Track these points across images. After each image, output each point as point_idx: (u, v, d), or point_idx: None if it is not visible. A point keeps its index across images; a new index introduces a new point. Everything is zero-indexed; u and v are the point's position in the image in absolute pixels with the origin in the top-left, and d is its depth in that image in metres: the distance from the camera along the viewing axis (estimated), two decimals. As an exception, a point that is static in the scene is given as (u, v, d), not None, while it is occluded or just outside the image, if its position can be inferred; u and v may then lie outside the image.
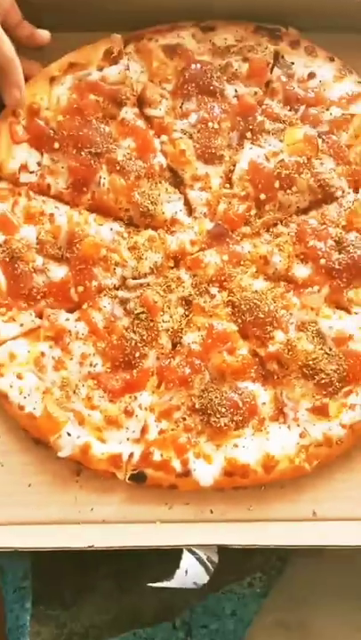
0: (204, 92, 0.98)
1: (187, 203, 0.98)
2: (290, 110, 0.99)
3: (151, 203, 0.95)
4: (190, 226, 0.97)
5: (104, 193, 0.94)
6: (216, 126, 0.98)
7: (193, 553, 0.82)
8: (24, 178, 0.95)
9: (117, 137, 0.96)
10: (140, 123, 0.97)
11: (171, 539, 0.84)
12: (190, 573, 0.81)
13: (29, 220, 0.95)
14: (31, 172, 0.96)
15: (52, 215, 0.95)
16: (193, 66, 0.98)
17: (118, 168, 0.94)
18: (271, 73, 1.00)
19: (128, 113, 0.96)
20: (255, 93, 0.99)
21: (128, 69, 0.97)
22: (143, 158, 0.96)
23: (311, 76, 0.99)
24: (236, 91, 0.99)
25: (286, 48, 1.00)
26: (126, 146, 0.96)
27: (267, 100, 0.99)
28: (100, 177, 0.94)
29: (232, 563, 0.89)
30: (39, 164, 0.96)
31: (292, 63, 1.00)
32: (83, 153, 0.94)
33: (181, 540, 0.84)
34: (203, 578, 0.82)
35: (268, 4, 0.99)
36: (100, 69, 0.96)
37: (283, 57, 1.00)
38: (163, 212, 0.95)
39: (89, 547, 0.80)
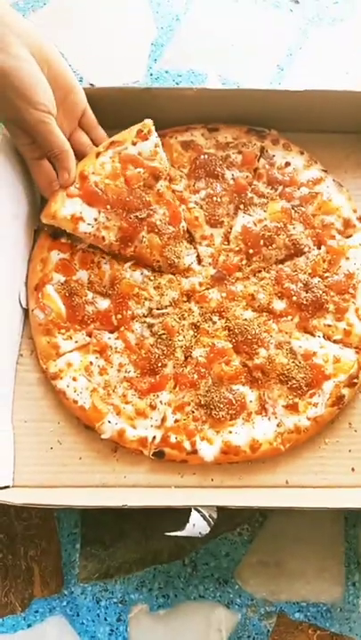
0: (210, 175, 1.01)
1: (197, 255, 1.01)
2: (271, 189, 1.01)
3: (176, 257, 0.97)
4: (200, 272, 0.99)
5: (144, 248, 0.96)
6: (219, 200, 1.00)
7: (198, 511, 0.83)
8: (82, 228, 0.95)
9: (155, 205, 0.97)
10: (170, 195, 0.98)
11: (183, 500, 0.86)
12: (197, 526, 0.82)
13: (83, 265, 0.98)
14: (88, 224, 0.95)
15: (99, 263, 0.98)
16: (202, 156, 1.02)
17: (157, 231, 0.96)
18: (258, 162, 1.03)
19: (162, 186, 0.98)
20: (247, 177, 1.02)
21: (159, 147, 0.98)
22: (173, 224, 0.97)
23: (287, 164, 1.02)
24: (232, 175, 1.01)
25: (269, 144, 1.03)
26: (162, 213, 0.97)
27: (255, 182, 1.02)
28: (143, 236, 0.96)
29: (226, 517, 0.91)
30: (95, 219, 0.96)
31: (274, 155, 1.02)
32: (131, 217, 0.95)
33: (190, 501, 0.86)
34: (205, 529, 0.83)
35: (257, 114, 1.03)
36: (135, 145, 0.97)
37: (267, 151, 1.03)
38: (184, 264, 0.98)
39: (123, 505, 0.81)
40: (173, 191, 1.00)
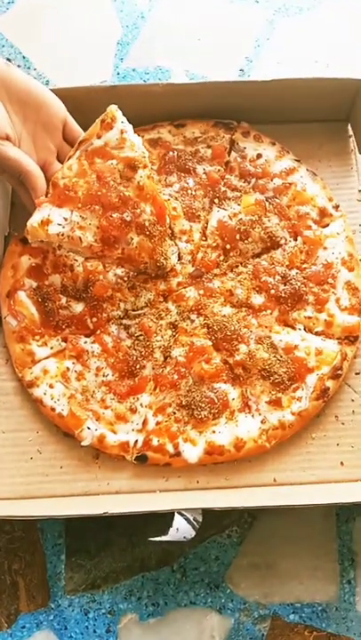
0: (181, 170, 1.00)
1: (178, 252, 0.98)
2: (244, 182, 1.00)
3: (164, 258, 0.94)
4: (180, 271, 0.97)
5: (132, 250, 0.92)
6: (193, 193, 0.99)
7: (182, 515, 0.81)
8: (52, 229, 0.89)
9: (137, 200, 0.90)
10: (152, 187, 0.91)
11: (167, 504, 0.83)
12: (180, 530, 0.80)
13: (55, 269, 0.96)
14: (59, 225, 0.89)
15: (72, 266, 0.95)
16: (171, 152, 1.01)
17: (147, 233, 0.91)
18: (229, 156, 1.02)
19: (142, 177, 0.91)
20: (218, 170, 1.01)
21: (127, 132, 0.91)
22: (160, 223, 0.92)
23: (259, 156, 1.01)
24: (204, 169, 1.00)
25: (240, 137, 1.02)
26: (149, 212, 0.91)
27: (227, 175, 1.01)
28: (131, 237, 0.92)
29: (214, 519, 0.89)
30: (66, 219, 0.90)
31: (245, 148, 1.02)
32: (111, 215, 0.89)
33: (175, 505, 0.83)
34: (190, 533, 0.81)
35: (226, 107, 1.02)
36: (100, 137, 0.91)
37: (237, 143, 1.02)
38: (171, 264, 0.96)
39: (104, 513, 0.79)
40: (153, 180, 0.94)
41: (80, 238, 0.91)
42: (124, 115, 0.93)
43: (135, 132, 0.99)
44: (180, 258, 0.98)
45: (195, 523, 0.83)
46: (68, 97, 0.96)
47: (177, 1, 1.21)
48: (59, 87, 0.97)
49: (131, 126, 0.92)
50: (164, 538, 0.81)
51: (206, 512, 0.84)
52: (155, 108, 1.01)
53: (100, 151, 0.91)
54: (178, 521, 0.81)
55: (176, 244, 0.98)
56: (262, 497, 0.87)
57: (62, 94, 0.95)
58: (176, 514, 0.82)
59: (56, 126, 0.92)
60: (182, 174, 1.00)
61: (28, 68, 1.14)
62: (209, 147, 1.01)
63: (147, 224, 0.91)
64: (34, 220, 0.90)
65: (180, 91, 1.00)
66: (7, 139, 0.86)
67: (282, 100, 1.02)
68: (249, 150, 1.02)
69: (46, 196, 0.91)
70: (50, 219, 0.90)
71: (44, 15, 1.19)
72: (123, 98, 0.97)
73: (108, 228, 0.90)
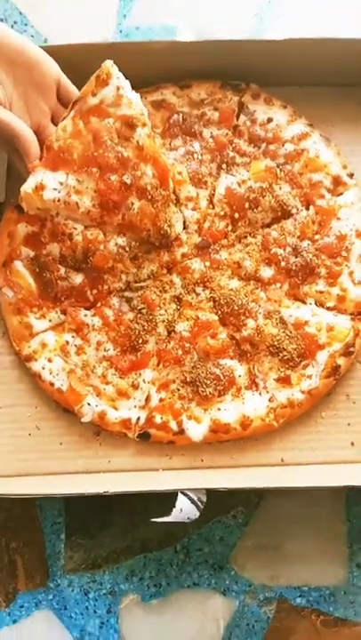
0: (186, 134, 0.95)
1: (184, 220, 0.93)
2: (254, 147, 0.94)
3: (168, 225, 0.89)
4: (186, 241, 0.92)
5: (133, 215, 0.87)
6: (200, 157, 0.94)
7: (186, 495, 0.78)
8: (47, 195, 0.84)
9: (137, 161, 0.85)
10: (153, 147, 0.86)
11: (170, 484, 0.81)
12: (184, 511, 0.78)
13: (53, 238, 0.90)
14: (54, 189, 0.84)
15: (70, 234, 0.90)
16: (175, 115, 0.95)
17: (149, 197, 0.86)
18: (238, 119, 0.96)
19: (141, 136, 0.85)
20: (226, 134, 0.95)
21: (123, 89, 0.85)
22: (163, 186, 0.87)
23: (269, 120, 0.95)
24: (211, 133, 0.95)
25: (249, 99, 0.96)
26: (150, 174, 0.85)
27: (236, 140, 0.95)
28: (132, 202, 0.86)
29: (220, 499, 0.86)
30: (62, 183, 0.84)
31: (255, 111, 0.96)
32: (109, 178, 0.84)
33: (178, 485, 0.81)
34: (194, 513, 0.78)
35: (234, 68, 0.95)
36: (95, 95, 0.85)
37: (247, 106, 0.96)
38: (175, 232, 0.90)
39: (104, 492, 0.76)
40: (154, 140, 0.88)
41: (77, 203, 0.85)
42: (123, 74, 0.86)
43: (137, 93, 0.93)
44: (185, 227, 0.93)
45: (199, 503, 0.80)
46: (64, 55, 0.88)
47: None
48: (54, 44, 0.90)
49: (128, 82, 0.86)
50: (166, 519, 0.78)
51: (211, 492, 0.81)
52: (158, 67, 0.94)
53: (95, 109, 0.84)
54: (181, 501, 0.79)
55: (181, 212, 0.92)
56: (269, 477, 0.84)
57: (57, 52, 0.88)
58: (180, 494, 0.79)
59: (49, 87, 0.86)
60: (188, 138, 0.94)
61: (25, 24, 1.07)
62: (216, 109, 0.95)
63: (148, 187, 0.86)
64: (27, 186, 0.85)
65: (185, 49, 0.93)
66: None
67: (294, 62, 0.95)
68: (259, 113, 0.96)
69: (40, 160, 0.85)
70: (44, 184, 0.84)
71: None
72: (123, 56, 0.90)
73: (107, 191, 0.84)
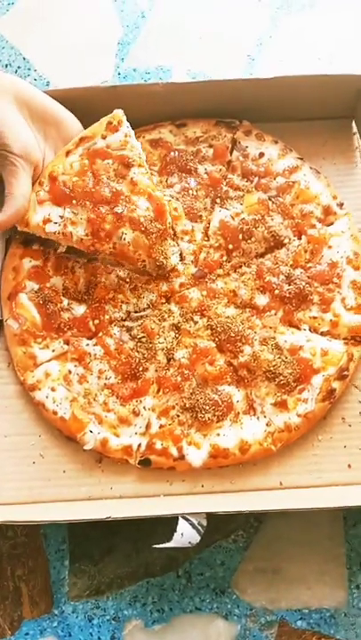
0: (182, 171, 0.97)
1: (180, 252, 0.95)
2: (247, 181, 0.97)
3: (164, 257, 0.92)
4: (183, 272, 0.94)
5: (125, 245, 0.90)
6: (195, 193, 0.97)
7: (187, 519, 0.79)
8: (49, 228, 0.90)
9: (129, 195, 0.90)
10: (146, 184, 0.91)
11: (171, 509, 0.81)
12: (185, 535, 0.78)
13: (57, 272, 0.93)
14: (55, 223, 0.90)
15: (73, 268, 0.93)
16: (172, 153, 0.98)
17: (143, 229, 0.89)
18: (231, 155, 0.99)
19: (136, 174, 0.91)
20: (220, 170, 0.98)
21: (130, 137, 0.92)
22: (159, 221, 0.90)
23: (261, 155, 0.98)
24: (205, 169, 0.98)
25: (242, 135, 0.99)
26: (145, 208, 0.90)
27: (229, 175, 0.98)
28: (123, 232, 0.89)
29: (220, 524, 0.86)
30: (61, 216, 0.90)
31: (247, 146, 0.98)
32: (100, 207, 0.89)
33: (179, 509, 0.81)
34: (195, 538, 0.79)
35: (228, 106, 0.99)
36: (104, 138, 0.91)
37: (239, 142, 0.99)
38: (171, 264, 0.93)
39: (107, 517, 0.77)
40: (151, 178, 0.93)
41: (71, 233, 0.90)
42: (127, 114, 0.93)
43: (136, 132, 0.97)
44: (182, 258, 0.95)
45: (199, 527, 0.80)
46: (68, 98, 0.94)
47: (175, 1, 1.18)
48: (59, 88, 0.95)
49: (133, 132, 0.93)
50: (168, 544, 0.79)
51: (211, 516, 0.81)
52: (156, 107, 0.98)
53: (102, 152, 0.91)
54: (182, 526, 0.79)
55: (178, 245, 0.95)
56: (268, 501, 0.84)
57: (62, 95, 0.93)
58: (180, 519, 0.80)
59: None
60: (183, 175, 0.97)
61: (29, 69, 1.12)
62: (211, 146, 0.98)
63: (142, 220, 0.89)
64: (38, 220, 0.90)
65: (181, 90, 0.97)
66: (36, 167, 0.90)
67: (285, 98, 0.99)
68: (251, 149, 0.98)
69: (41, 186, 0.91)
70: (50, 218, 0.90)
71: (44, 16, 1.17)
72: (123, 98, 0.95)
73: (96, 220, 0.89)
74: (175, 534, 0.78)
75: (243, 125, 1.00)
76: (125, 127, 0.92)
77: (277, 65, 1.12)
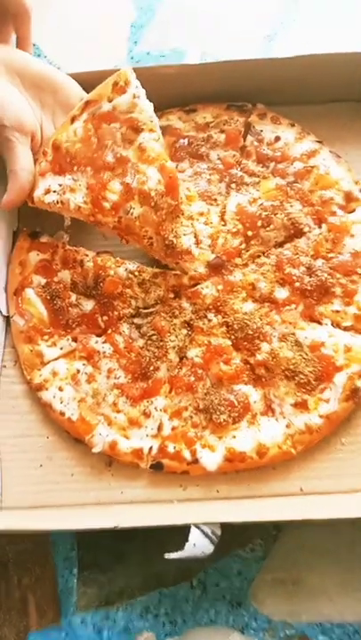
0: (193, 157, 0.89)
1: (195, 235, 0.86)
2: (263, 167, 0.89)
3: (174, 236, 0.83)
4: (198, 257, 0.85)
5: (131, 220, 0.82)
6: (208, 177, 0.89)
7: (199, 528, 0.72)
8: (48, 198, 0.82)
9: (137, 162, 0.81)
10: (158, 151, 0.81)
11: (184, 517, 0.73)
12: (198, 545, 0.71)
13: (65, 265, 0.87)
14: (54, 192, 0.82)
15: (82, 261, 0.87)
16: (181, 140, 0.90)
17: (152, 204, 0.80)
18: (245, 140, 0.90)
19: (146, 139, 0.81)
20: (233, 156, 0.89)
21: (139, 97, 0.81)
22: (171, 195, 0.81)
23: (277, 139, 0.90)
24: (218, 155, 0.89)
25: (256, 119, 0.91)
26: (156, 180, 0.80)
27: (243, 161, 0.89)
28: (131, 206, 0.81)
29: (237, 532, 0.79)
30: (60, 184, 0.82)
31: (261, 130, 0.90)
32: (103, 174, 0.80)
33: (192, 518, 0.74)
34: (208, 548, 0.72)
35: (244, 89, 0.91)
36: (111, 101, 0.82)
37: (253, 126, 0.91)
38: (182, 244, 0.83)
39: (114, 527, 0.70)
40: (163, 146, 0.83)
41: (69, 200, 0.82)
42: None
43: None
44: (197, 242, 0.86)
45: (213, 537, 0.73)
46: (77, 82, 0.86)
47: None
48: (68, 72, 0.88)
49: (144, 91, 0.82)
50: (180, 554, 0.72)
51: (228, 524, 0.74)
52: (168, 91, 0.90)
53: (107, 116, 0.82)
54: (195, 535, 0.72)
55: (193, 226, 0.86)
56: (288, 508, 0.76)
57: (74, 79, 0.86)
58: (193, 527, 0.72)
59: (75, 107, 0.85)
60: (195, 160, 0.89)
61: (39, 55, 1.05)
62: (222, 131, 0.90)
63: (152, 194, 0.80)
64: (39, 193, 0.83)
65: (194, 72, 0.89)
66: (33, 137, 0.82)
67: (304, 79, 0.90)
68: (266, 133, 0.90)
69: (45, 156, 0.84)
70: (50, 188, 0.83)
71: (53, 1, 1.10)
72: None
73: (96, 186, 0.80)
74: (187, 544, 0.71)
75: (257, 108, 0.92)
76: (134, 87, 0.82)
77: (299, 48, 1.02)
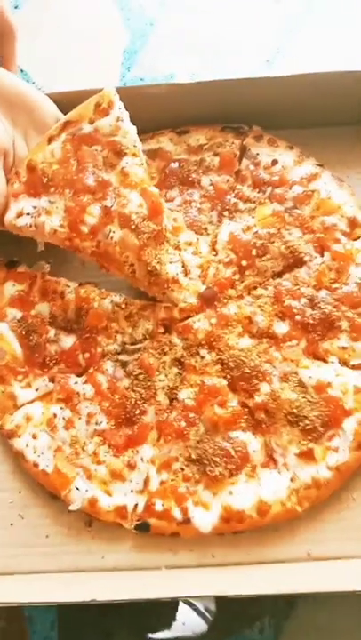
0: (184, 183, 0.83)
1: (183, 265, 0.79)
2: (258, 192, 0.82)
3: (157, 262, 0.75)
4: (187, 287, 0.78)
5: (110, 245, 0.75)
6: (198, 206, 0.82)
7: (190, 604, 0.60)
8: (20, 222, 0.76)
9: (119, 187, 0.75)
10: (141, 177, 0.76)
11: (172, 590, 0.63)
12: (188, 624, 0.60)
13: (44, 297, 0.79)
14: (27, 214, 0.76)
15: (62, 293, 0.79)
16: (172, 164, 0.84)
17: (133, 227, 0.74)
18: (240, 163, 0.84)
19: (129, 163, 0.76)
20: (227, 180, 0.83)
21: (122, 120, 0.77)
22: (153, 219, 0.75)
23: (274, 162, 0.83)
24: (210, 180, 0.83)
25: (252, 141, 0.85)
26: (137, 203, 0.75)
27: (238, 186, 0.83)
28: (110, 230, 0.75)
29: (239, 608, 0.68)
30: (35, 207, 0.76)
31: (258, 153, 0.84)
32: (82, 197, 0.74)
33: (184, 590, 0.63)
34: (201, 627, 0.60)
35: (238, 111, 0.85)
36: (92, 123, 0.77)
37: (249, 149, 0.84)
38: (167, 272, 0.76)
39: (91, 600, 0.60)
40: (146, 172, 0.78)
41: (44, 224, 0.75)
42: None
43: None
44: (186, 272, 0.79)
45: (207, 614, 0.62)
46: (66, 101, 0.81)
47: (187, 7, 1.07)
48: (55, 92, 0.83)
49: (127, 113, 0.77)
50: (167, 634, 0.60)
51: (228, 598, 0.63)
52: (158, 113, 0.84)
53: (89, 138, 0.77)
54: (184, 612, 0.61)
55: (179, 255, 0.79)
56: (294, 578, 0.66)
57: (59, 98, 0.82)
58: (181, 603, 0.61)
59: (50, 127, 0.80)
60: (185, 188, 0.83)
61: (27, 81, 1.01)
62: (216, 154, 0.84)
63: (133, 217, 0.74)
64: (10, 217, 0.77)
65: (186, 92, 0.83)
66: (5, 156, 0.77)
67: (303, 101, 0.84)
68: (263, 156, 0.84)
69: (18, 177, 0.77)
70: (23, 210, 0.76)
71: (45, 26, 1.07)
72: (123, 102, 0.82)
73: (75, 209, 0.74)
74: (175, 622, 0.59)
75: (253, 131, 0.86)
76: (117, 109, 0.77)
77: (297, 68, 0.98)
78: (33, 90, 0.79)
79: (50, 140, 0.78)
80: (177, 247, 0.78)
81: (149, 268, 0.75)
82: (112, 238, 0.74)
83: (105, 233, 0.74)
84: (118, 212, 0.74)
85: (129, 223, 0.74)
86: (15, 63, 0.83)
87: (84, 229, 0.74)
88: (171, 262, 0.76)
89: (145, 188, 0.75)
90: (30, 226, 0.76)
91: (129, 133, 0.77)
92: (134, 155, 0.76)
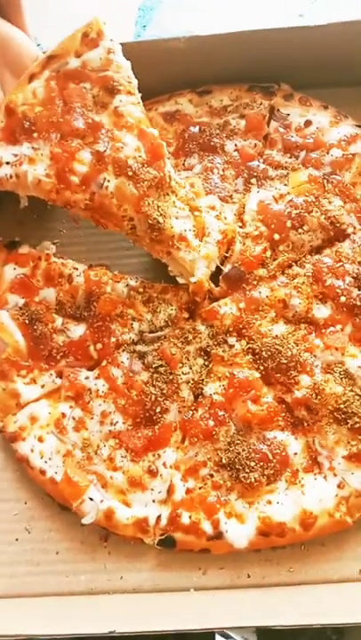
0: (205, 149, 0.73)
1: (197, 227, 0.68)
2: (290, 157, 0.72)
3: (161, 215, 0.65)
4: (197, 248, 0.66)
5: (106, 197, 0.65)
6: (221, 173, 0.72)
7: (226, 636, 0.51)
8: (1, 172, 0.66)
9: (112, 129, 0.66)
10: (138, 117, 0.66)
11: (205, 619, 0.53)
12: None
13: (49, 282, 0.70)
14: (7, 164, 0.66)
15: (70, 276, 0.69)
16: (192, 128, 0.74)
17: (130, 174, 0.65)
18: (268, 126, 0.74)
19: (123, 102, 0.67)
20: (255, 146, 0.73)
21: (114, 53, 0.68)
22: (153, 164, 0.65)
23: (308, 123, 0.74)
24: (236, 145, 0.73)
25: (281, 101, 0.75)
26: (134, 146, 0.65)
27: (267, 151, 0.73)
28: (105, 178, 0.65)
29: (281, 638, 0.58)
30: (16, 155, 0.66)
31: (288, 114, 0.74)
32: (71, 141, 0.65)
33: (217, 621, 0.53)
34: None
35: (264, 67, 0.74)
36: (79, 56, 0.68)
37: (278, 110, 0.75)
38: (171, 227, 0.66)
39: (110, 632, 0.51)
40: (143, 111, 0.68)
41: (26, 173, 0.65)
42: (138, 81, 0.68)
43: (147, 104, 0.73)
44: (203, 234, 0.68)
45: (246, 646, 0.52)
46: None
47: None
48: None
49: (120, 47, 0.68)
50: None
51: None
52: (177, 71, 0.75)
53: (76, 74, 0.67)
54: (220, 645, 0.51)
55: (198, 216, 0.67)
56: (344, 602, 0.56)
57: None
58: (217, 636, 0.51)
59: (26, 66, 0.70)
60: (205, 154, 0.73)
61: (38, 45, 0.91)
62: (242, 117, 0.75)
63: (130, 162, 0.64)
64: None
65: (207, 45, 0.73)
66: None
67: (340, 54, 0.73)
68: (294, 117, 0.74)
69: None
70: (2, 159, 0.66)
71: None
72: (136, 60, 0.70)
73: (62, 156, 0.65)
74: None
75: (282, 89, 0.75)
76: (108, 41, 0.68)
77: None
78: (10, 28, 0.68)
79: (31, 78, 0.68)
80: (196, 208, 0.67)
81: (150, 221, 0.65)
82: (107, 188, 0.64)
83: (98, 182, 0.64)
84: (113, 158, 0.64)
85: (125, 170, 0.64)
86: (27, 30, 0.73)
87: (74, 179, 0.64)
88: (177, 217, 0.66)
89: (142, 129, 0.65)
90: (10, 177, 0.65)
91: (122, 67, 0.67)
92: (129, 92, 0.66)
